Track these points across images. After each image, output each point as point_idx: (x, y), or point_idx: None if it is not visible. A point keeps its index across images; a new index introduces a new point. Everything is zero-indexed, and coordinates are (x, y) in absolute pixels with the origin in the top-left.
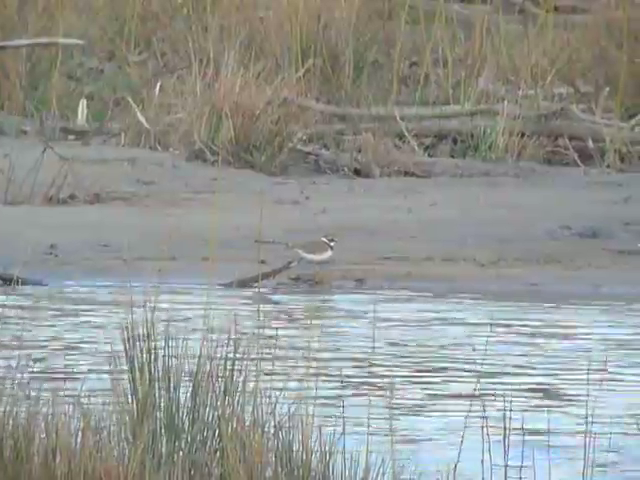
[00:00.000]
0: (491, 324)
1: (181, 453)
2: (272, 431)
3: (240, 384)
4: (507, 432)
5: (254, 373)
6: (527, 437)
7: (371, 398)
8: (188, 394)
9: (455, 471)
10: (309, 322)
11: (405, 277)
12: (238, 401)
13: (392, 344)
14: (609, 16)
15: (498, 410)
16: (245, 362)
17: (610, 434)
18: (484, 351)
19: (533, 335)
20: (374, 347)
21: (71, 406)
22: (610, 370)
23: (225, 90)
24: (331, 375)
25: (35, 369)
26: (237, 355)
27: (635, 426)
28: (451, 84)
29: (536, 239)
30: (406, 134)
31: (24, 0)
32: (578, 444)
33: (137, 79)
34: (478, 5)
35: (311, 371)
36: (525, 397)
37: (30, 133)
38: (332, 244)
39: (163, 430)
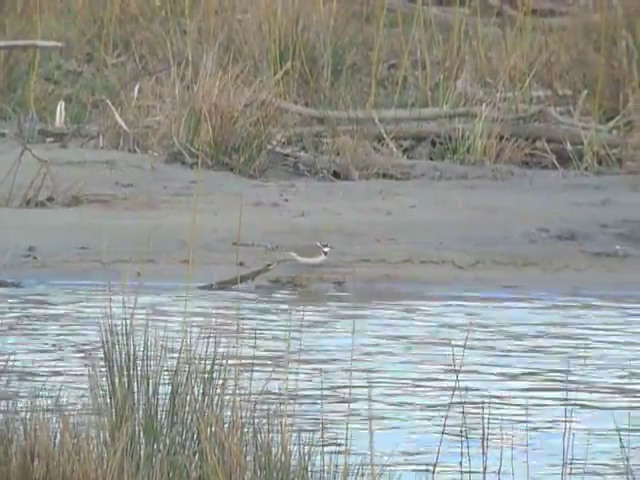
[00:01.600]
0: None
1: (160, 455)
2: (251, 433)
3: (219, 386)
4: (485, 435)
5: (233, 375)
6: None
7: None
8: (167, 396)
9: (434, 475)
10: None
11: (384, 279)
12: (217, 403)
13: None
14: (587, 19)
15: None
16: (224, 364)
17: (589, 435)
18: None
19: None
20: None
21: (49, 409)
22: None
23: (204, 92)
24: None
25: (13, 371)
26: (216, 356)
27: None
28: (429, 86)
29: (514, 241)
30: (384, 136)
31: (2, 2)
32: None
33: (115, 81)
34: (456, 8)
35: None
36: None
37: (8, 135)
38: (326, 250)
39: (142, 432)
